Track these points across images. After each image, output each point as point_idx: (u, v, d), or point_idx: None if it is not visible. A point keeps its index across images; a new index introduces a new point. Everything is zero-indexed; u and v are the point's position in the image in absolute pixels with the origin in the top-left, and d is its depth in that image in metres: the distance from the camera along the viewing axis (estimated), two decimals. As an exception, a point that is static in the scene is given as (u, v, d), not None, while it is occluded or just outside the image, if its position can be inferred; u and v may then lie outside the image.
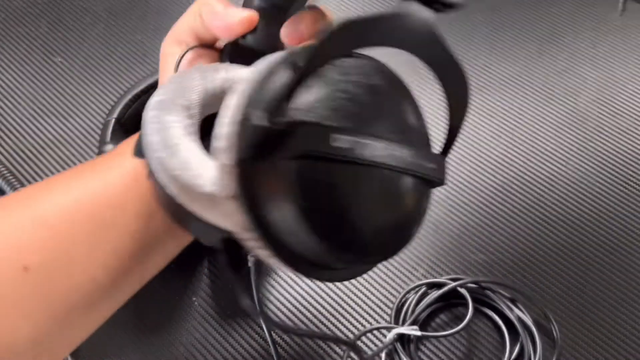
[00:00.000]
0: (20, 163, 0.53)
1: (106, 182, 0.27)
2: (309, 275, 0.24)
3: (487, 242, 0.48)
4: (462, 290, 0.43)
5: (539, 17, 0.64)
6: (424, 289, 0.44)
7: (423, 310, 0.43)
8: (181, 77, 0.25)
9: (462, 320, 0.41)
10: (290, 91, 0.21)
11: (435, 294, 0.43)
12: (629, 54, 0.61)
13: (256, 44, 0.28)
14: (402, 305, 0.44)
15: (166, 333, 0.44)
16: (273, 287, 0.46)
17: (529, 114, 0.56)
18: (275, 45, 0.27)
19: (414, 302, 0.43)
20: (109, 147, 0.47)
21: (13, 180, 0.50)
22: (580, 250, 0.48)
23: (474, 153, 0.53)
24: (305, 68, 0.21)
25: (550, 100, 0.57)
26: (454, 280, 0.44)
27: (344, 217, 0.22)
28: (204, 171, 0.23)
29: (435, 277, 0.45)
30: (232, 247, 0.24)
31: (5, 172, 0.50)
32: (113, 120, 0.50)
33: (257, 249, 0.23)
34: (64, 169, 0.53)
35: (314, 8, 0.27)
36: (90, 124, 0.56)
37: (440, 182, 0.26)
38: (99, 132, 0.55)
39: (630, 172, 0.52)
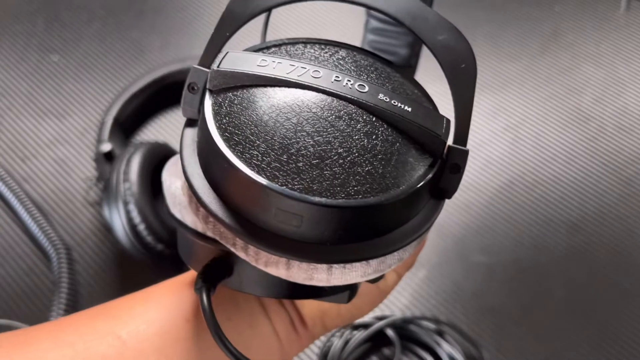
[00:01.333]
0: (17, 162, 0.52)
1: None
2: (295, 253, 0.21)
3: (490, 243, 0.48)
4: (388, 331, 0.42)
5: (542, 15, 0.63)
6: (348, 331, 0.42)
7: (349, 355, 0.41)
8: None
9: None
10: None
11: (360, 336, 0.42)
12: (633, 53, 0.60)
13: None
14: (327, 352, 0.42)
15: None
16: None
17: (531, 113, 0.56)
18: None
19: (338, 347, 0.41)
20: (106, 146, 0.47)
21: (9, 179, 0.49)
22: (584, 248, 0.47)
23: (475, 152, 0.53)
24: None
25: (553, 99, 0.57)
26: (379, 319, 0.43)
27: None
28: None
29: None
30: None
31: (1, 171, 0.50)
32: (111, 120, 0.49)
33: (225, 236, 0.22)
34: (61, 168, 0.52)
35: None
36: (88, 122, 0.55)
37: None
38: (96, 131, 0.54)
39: (634, 171, 0.52)
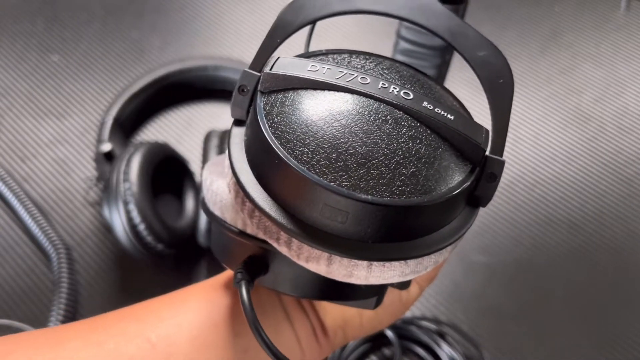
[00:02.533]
0: (17, 162, 0.52)
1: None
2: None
3: (490, 243, 0.48)
4: (388, 332, 0.42)
5: (542, 15, 0.63)
6: None
7: (349, 355, 0.42)
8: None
9: None
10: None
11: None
12: (632, 53, 0.60)
13: None
14: None
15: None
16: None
17: (531, 113, 0.56)
18: None
19: (339, 348, 0.42)
20: (106, 146, 0.47)
21: (9, 179, 0.49)
22: (584, 248, 0.47)
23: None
24: None
25: (553, 99, 0.57)
26: None
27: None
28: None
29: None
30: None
31: (0, 171, 0.50)
32: (111, 120, 0.49)
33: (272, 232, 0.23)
34: (61, 168, 0.52)
35: None
36: (88, 122, 0.55)
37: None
38: (96, 131, 0.54)
39: (634, 171, 0.52)
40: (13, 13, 0.64)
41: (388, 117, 0.22)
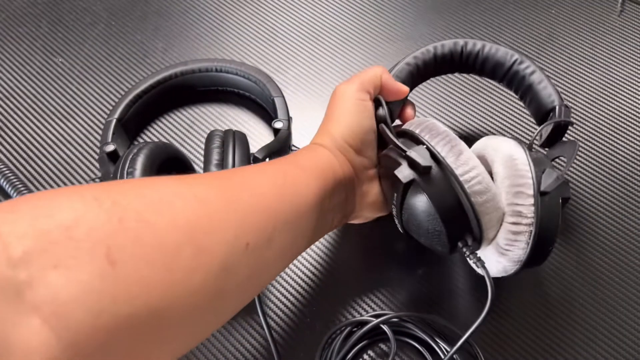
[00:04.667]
0: (22, 163, 0.53)
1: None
2: None
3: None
4: (385, 327, 0.43)
5: (538, 18, 0.64)
6: (349, 328, 0.44)
7: (347, 351, 0.42)
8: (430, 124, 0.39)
9: (388, 356, 0.42)
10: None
11: (358, 332, 0.43)
12: (628, 55, 0.61)
13: (391, 108, 0.43)
14: (327, 349, 0.43)
15: (167, 332, 0.44)
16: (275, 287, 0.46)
17: (528, 115, 0.56)
18: (392, 116, 0.43)
19: (337, 344, 0.43)
20: (110, 147, 0.48)
21: (15, 180, 0.50)
22: (578, 250, 0.48)
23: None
24: None
25: (548, 101, 0.57)
26: (376, 316, 0.44)
27: None
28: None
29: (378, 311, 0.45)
30: None
31: (7, 172, 0.50)
32: (114, 121, 0.50)
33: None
34: (65, 169, 0.53)
35: (410, 102, 0.45)
36: (91, 124, 0.56)
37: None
38: (100, 132, 0.55)
39: (629, 171, 0.53)
40: (18, 16, 0.64)
41: None
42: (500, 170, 0.38)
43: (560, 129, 0.43)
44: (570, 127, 0.55)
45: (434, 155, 0.36)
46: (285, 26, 0.63)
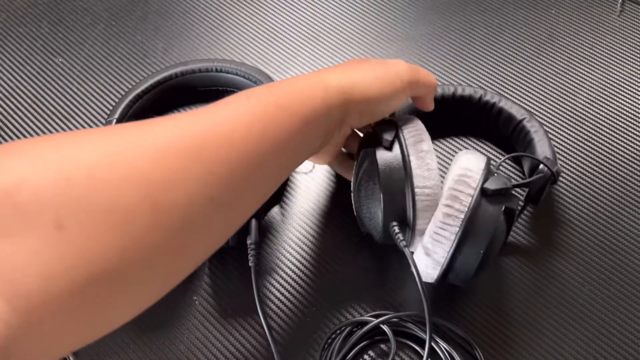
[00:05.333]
0: (21, 163, 0.53)
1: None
2: None
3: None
4: (384, 327, 0.43)
5: (538, 18, 0.64)
6: (349, 328, 0.43)
7: (348, 351, 0.42)
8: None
9: (388, 356, 0.42)
10: None
11: (358, 332, 0.43)
12: (627, 55, 0.61)
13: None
14: (327, 349, 0.43)
15: (167, 332, 0.44)
16: (273, 285, 0.46)
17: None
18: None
19: (337, 344, 0.43)
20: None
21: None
22: (578, 250, 0.48)
23: (472, 153, 0.54)
24: None
25: (548, 101, 0.57)
26: (375, 316, 0.44)
27: None
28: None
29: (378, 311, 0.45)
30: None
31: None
32: (114, 121, 0.50)
33: None
34: (65, 169, 0.53)
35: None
36: (92, 124, 0.56)
37: None
38: (100, 132, 0.55)
39: (628, 171, 0.53)
40: (18, 16, 0.64)
41: None
42: (454, 169, 0.39)
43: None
44: (569, 131, 0.55)
45: (398, 139, 0.39)
46: (285, 26, 0.63)
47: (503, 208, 0.37)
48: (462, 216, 0.37)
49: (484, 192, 0.37)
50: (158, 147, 0.26)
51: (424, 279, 0.41)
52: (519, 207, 0.47)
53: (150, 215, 0.24)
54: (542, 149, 0.48)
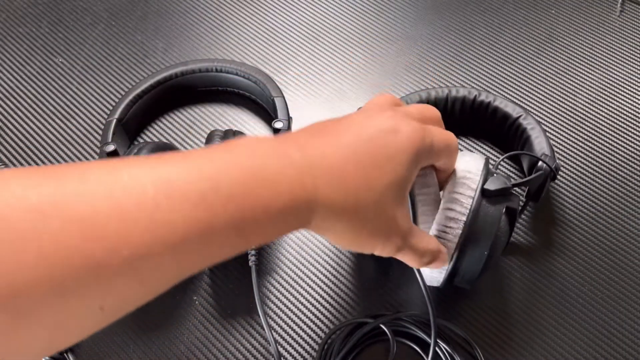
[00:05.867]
0: (22, 163, 0.53)
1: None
2: None
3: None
4: (384, 327, 0.43)
5: (538, 18, 0.64)
6: (349, 328, 0.44)
7: (349, 352, 0.42)
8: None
9: (388, 356, 0.42)
10: None
11: (358, 333, 0.43)
12: (627, 55, 0.61)
13: None
14: (326, 349, 0.43)
15: (167, 332, 0.44)
16: (273, 286, 0.46)
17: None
18: None
19: (337, 343, 0.43)
20: (110, 147, 0.48)
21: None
22: (578, 250, 0.48)
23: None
24: None
25: (548, 101, 0.57)
26: (375, 316, 0.44)
27: None
28: None
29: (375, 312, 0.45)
30: None
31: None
32: (114, 121, 0.50)
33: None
34: (65, 169, 0.53)
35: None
36: (92, 124, 0.56)
37: None
38: (100, 132, 0.55)
39: (628, 171, 0.53)
40: (18, 16, 0.64)
41: None
42: (454, 170, 0.39)
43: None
44: (569, 131, 0.55)
45: None
46: (285, 26, 0.63)
47: (504, 208, 0.37)
48: (464, 219, 0.37)
49: (484, 193, 0.37)
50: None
51: (429, 283, 0.41)
52: (520, 206, 0.47)
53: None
54: (539, 146, 0.47)
